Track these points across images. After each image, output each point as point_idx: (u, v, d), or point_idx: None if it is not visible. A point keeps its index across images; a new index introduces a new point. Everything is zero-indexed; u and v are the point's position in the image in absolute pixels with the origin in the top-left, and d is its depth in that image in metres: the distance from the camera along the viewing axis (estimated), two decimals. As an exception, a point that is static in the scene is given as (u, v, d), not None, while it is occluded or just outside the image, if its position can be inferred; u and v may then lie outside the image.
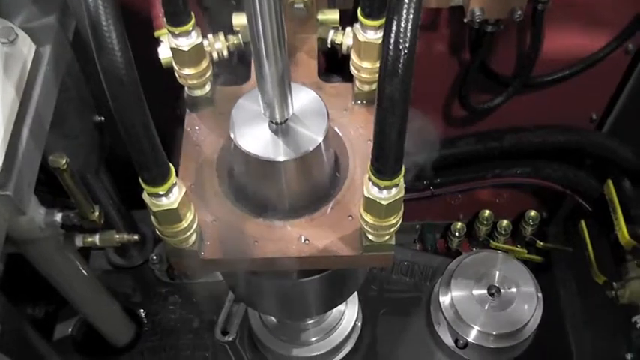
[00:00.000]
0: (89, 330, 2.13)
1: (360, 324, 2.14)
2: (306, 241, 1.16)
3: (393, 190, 0.98)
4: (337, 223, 1.17)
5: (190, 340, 2.26)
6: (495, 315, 2.13)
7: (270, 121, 1.13)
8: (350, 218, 1.17)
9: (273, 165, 1.12)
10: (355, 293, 1.96)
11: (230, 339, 2.19)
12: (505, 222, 2.64)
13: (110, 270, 2.38)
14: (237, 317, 2.20)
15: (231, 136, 1.13)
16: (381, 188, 0.97)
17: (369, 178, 0.97)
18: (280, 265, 1.18)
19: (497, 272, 2.19)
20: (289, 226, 1.18)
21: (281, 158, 1.11)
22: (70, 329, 2.22)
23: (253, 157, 1.11)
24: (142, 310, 2.30)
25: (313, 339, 2.03)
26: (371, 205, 1.01)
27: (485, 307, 2.14)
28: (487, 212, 2.61)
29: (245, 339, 2.21)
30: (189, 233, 1.08)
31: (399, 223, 1.07)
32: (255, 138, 1.12)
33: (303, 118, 1.14)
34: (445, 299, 2.19)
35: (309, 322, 1.98)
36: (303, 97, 1.16)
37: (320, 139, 1.12)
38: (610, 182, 2.16)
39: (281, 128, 1.13)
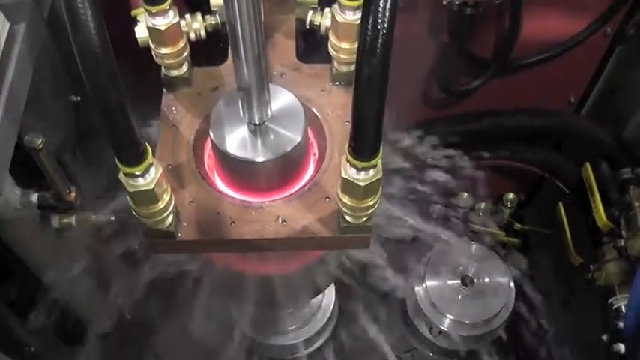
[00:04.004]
0: (70, 316, 2.11)
1: (336, 313, 2.15)
2: (284, 223, 1.16)
3: (371, 172, 0.98)
4: (314, 205, 1.17)
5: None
6: (469, 304, 2.18)
7: (249, 123, 1.14)
8: (327, 200, 1.17)
9: (252, 164, 1.14)
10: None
11: (210, 326, 2.19)
12: (483, 204, 2.65)
13: (91, 256, 2.37)
14: (217, 305, 2.20)
15: (211, 136, 1.15)
16: (359, 169, 0.97)
17: (347, 159, 0.97)
18: (257, 246, 1.18)
19: (471, 263, 2.23)
20: (267, 207, 1.18)
21: (260, 159, 1.14)
22: (50, 315, 2.20)
23: (233, 157, 1.14)
24: (123, 297, 2.29)
25: (291, 328, 2.03)
26: (349, 186, 1.01)
27: (459, 297, 2.17)
28: (465, 195, 2.61)
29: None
30: (165, 214, 1.08)
31: (377, 205, 1.07)
32: (235, 139, 1.15)
33: (281, 118, 1.16)
34: (420, 289, 2.21)
35: (287, 311, 1.99)
36: (281, 99, 1.18)
37: (298, 139, 1.15)
38: (588, 165, 2.17)
39: (260, 129, 1.15)
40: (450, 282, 2.20)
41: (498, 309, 2.16)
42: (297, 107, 1.18)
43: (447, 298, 2.18)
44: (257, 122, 1.14)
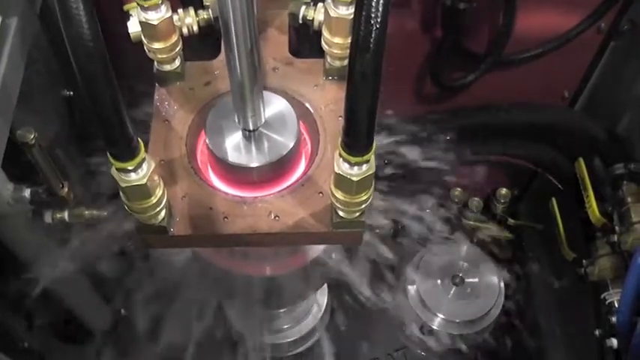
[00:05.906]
0: (69, 315, 2.11)
1: (329, 312, 2.15)
2: (277, 218, 1.16)
3: (364, 166, 0.98)
4: (307, 200, 1.17)
5: (167, 326, 2.25)
6: (459, 303, 2.20)
7: (244, 129, 1.16)
8: (320, 195, 1.17)
9: (246, 169, 1.16)
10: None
11: (205, 325, 2.19)
12: (476, 200, 2.65)
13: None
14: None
15: (207, 141, 1.17)
16: (351, 164, 0.97)
17: (340, 154, 0.97)
18: (250, 241, 1.18)
19: (462, 262, 2.25)
20: (259, 202, 1.18)
21: (254, 164, 1.16)
22: (44, 311, 2.19)
23: (228, 163, 1.16)
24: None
25: (284, 327, 2.04)
26: (341, 181, 1.00)
27: (450, 296, 2.19)
28: (458, 190, 2.61)
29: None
30: (158, 209, 1.07)
31: (369, 200, 1.07)
32: (230, 144, 1.17)
33: (274, 124, 1.18)
34: (411, 288, 2.23)
35: (281, 310, 1.99)
36: (274, 105, 1.20)
37: (291, 144, 1.17)
38: (581, 160, 2.17)
39: (254, 135, 1.17)
40: (440, 281, 2.22)
41: (489, 308, 2.18)
42: (290, 113, 1.20)
43: (437, 297, 2.20)
44: (251, 128, 1.16)
